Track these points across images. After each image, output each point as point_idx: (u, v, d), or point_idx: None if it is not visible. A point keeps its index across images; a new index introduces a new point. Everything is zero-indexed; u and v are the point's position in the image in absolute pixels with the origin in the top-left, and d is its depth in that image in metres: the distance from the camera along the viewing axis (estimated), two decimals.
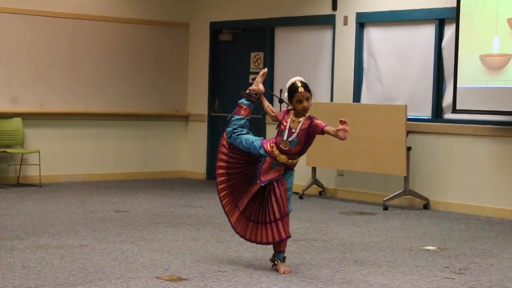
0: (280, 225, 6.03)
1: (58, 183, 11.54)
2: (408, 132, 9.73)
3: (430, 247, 7.33)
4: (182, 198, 10.41)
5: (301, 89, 5.96)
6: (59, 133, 11.72)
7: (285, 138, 5.97)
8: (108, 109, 12.18)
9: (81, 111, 11.88)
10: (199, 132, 12.82)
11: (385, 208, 9.74)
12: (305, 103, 5.98)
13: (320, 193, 10.90)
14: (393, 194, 9.85)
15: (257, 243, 6.18)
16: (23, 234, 7.45)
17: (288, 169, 6.07)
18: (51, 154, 11.54)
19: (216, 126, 12.63)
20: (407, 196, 9.96)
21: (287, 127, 5.99)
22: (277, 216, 6.02)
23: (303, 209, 9.59)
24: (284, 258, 6.17)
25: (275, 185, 6.02)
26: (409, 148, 9.80)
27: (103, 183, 11.75)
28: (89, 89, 11.98)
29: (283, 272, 6.06)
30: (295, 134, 5.96)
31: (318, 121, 6.01)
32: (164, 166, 12.80)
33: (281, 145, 5.98)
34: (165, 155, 12.80)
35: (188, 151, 12.96)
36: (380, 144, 9.84)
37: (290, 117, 6.02)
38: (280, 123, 6.05)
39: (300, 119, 6.00)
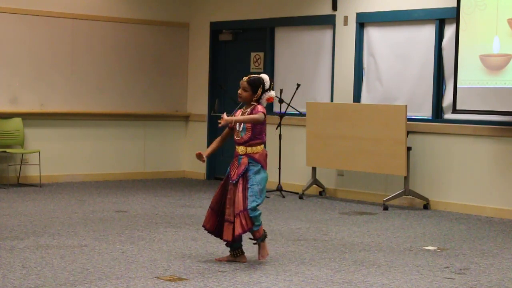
0: (238, 220, 6.21)
1: (58, 183, 11.54)
2: (408, 132, 9.73)
3: (430, 247, 7.34)
4: (182, 198, 10.41)
5: (244, 79, 6.42)
6: (59, 133, 11.72)
7: (237, 129, 6.35)
8: (108, 109, 12.18)
9: (81, 111, 11.88)
10: (199, 132, 12.82)
11: (385, 208, 9.74)
12: (239, 91, 6.41)
13: (320, 193, 10.90)
14: (393, 194, 9.85)
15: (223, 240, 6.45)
16: (23, 234, 7.45)
17: (254, 162, 6.29)
18: (51, 154, 11.54)
19: (216, 126, 12.60)
20: (407, 196, 9.95)
21: None
22: (236, 211, 6.24)
23: (303, 209, 9.59)
24: (265, 236, 6.40)
25: (240, 182, 6.27)
26: (409, 148, 9.80)
27: (103, 183, 11.75)
28: (89, 89, 11.98)
29: (260, 258, 6.33)
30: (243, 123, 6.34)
31: (259, 108, 6.32)
32: (164, 166, 12.80)
33: (235, 137, 6.38)
34: (165, 155, 12.80)
35: (188, 151, 12.95)
36: (380, 144, 9.84)
37: (242, 110, 6.44)
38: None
39: (248, 109, 6.38)
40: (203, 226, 6.51)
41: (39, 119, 11.53)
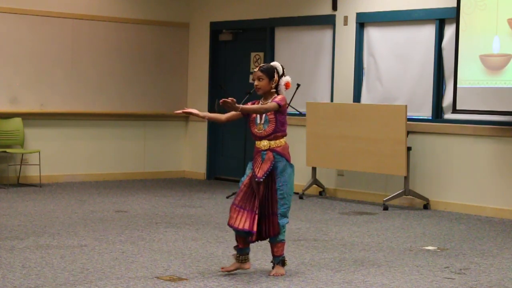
0: (267, 222, 5.96)
1: (58, 183, 11.54)
2: (408, 132, 9.73)
3: (430, 247, 7.34)
4: (182, 198, 10.41)
5: (255, 70, 6.07)
6: (59, 133, 11.72)
7: (258, 122, 6.01)
8: (108, 109, 12.18)
9: (81, 111, 11.88)
10: (199, 132, 12.82)
11: (385, 208, 9.74)
12: (256, 82, 6.03)
13: (320, 193, 10.91)
14: (393, 194, 9.85)
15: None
16: (23, 234, 7.45)
17: (278, 156, 5.97)
18: (51, 154, 11.54)
19: (216, 126, 12.63)
20: (407, 196, 9.96)
21: None
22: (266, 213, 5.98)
23: (303, 209, 9.59)
24: (283, 261, 6.06)
25: (270, 183, 5.97)
26: (409, 148, 9.80)
27: (103, 183, 11.75)
28: (89, 89, 11.98)
29: (273, 274, 5.96)
30: (264, 114, 5.98)
31: (277, 98, 5.99)
32: (164, 166, 12.80)
33: (256, 131, 6.02)
34: (165, 155, 12.80)
35: (188, 151, 12.96)
36: (380, 144, 9.84)
37: (260, 102, 6.06)
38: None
39: (268, 100, 6.01)
40: (233, 225, 5.97)
41: (39, 119, 11.53)
